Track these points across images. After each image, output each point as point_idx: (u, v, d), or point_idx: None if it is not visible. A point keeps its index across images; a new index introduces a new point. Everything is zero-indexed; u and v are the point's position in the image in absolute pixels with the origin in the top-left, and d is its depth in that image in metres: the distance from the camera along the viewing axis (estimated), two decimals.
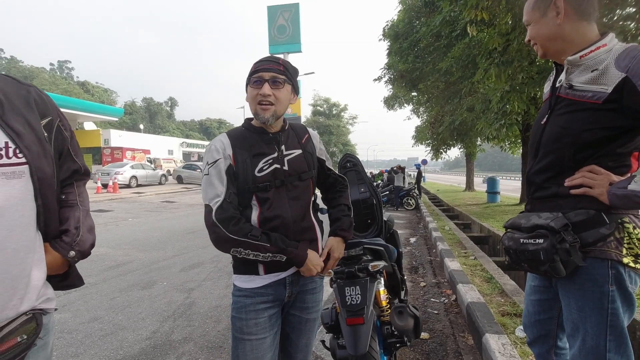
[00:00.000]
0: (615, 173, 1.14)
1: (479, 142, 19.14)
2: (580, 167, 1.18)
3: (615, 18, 4.89)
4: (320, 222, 1.54)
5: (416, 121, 26.12)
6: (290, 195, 1.40)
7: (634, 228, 1.14)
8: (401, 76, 16.13)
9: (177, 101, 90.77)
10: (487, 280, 4.01)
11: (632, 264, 1.12)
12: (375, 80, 19.19)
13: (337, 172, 1.64)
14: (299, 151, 1.45)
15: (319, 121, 48.02)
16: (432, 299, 3.96)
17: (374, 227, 2.49)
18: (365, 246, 2.11)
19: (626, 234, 1.13)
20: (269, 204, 1.36)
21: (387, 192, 14.65)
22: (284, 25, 25.43)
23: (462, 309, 3.49)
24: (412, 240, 7.54)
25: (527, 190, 1.38)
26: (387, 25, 16.05)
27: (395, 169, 15.29)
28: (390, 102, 22.71)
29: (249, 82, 1.37)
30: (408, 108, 23.64)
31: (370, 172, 30.54)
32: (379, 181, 17.95)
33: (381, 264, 2.01)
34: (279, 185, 1.38)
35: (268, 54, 1.58)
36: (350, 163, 2.58)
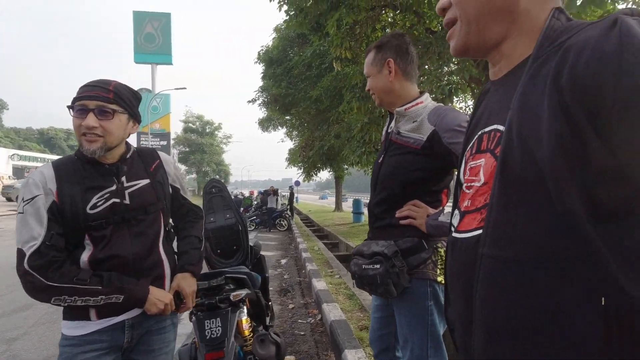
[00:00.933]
0: (432, 207, 1.39)
1: (345, 167, 20.93)
2: (407, 201, 1.41)
3: (443, 71, 6.07)
4: (173, 255, 1.45)
5: (290, 144, 27.20)
6: (133, 231, 1.27)
7: (445, 252, 1.41)
8: (275, 100, 16.70)
9: (7, 103, 74.05)
10: (349, 298, 4.32)
11: (444, 282, 1.37)
12: (249, 102, 19.39)
13: (192, 202, 1.56)
14: (145, 181, 1.33)
15: (190, 138, 45.73)
16: (299, 320, 4.07)
17: (240, 253, 2.47)
18: (228, 275, 2.07)
19: (439, 257, 1.40)
20: (104, 243, 1.22)
21: (259, 214, 14.78)
22: (153, 34, 23.81)
23: (326, 327, 3.68)
24: (283, 261, 7.67)
25: (369, 220, 1.57)
26: (262, 50, 16.53)
27: (268, 190, 15.62)
28: (265, 124, 23.18)
29: (71, 108, 1.20)
30: (282, 131, 24.49)
31: (241, 193, 30.26)
32: (253, 203, 17.94)
33: (243, 292, 1.99)
34: (119, 222, 1.24)
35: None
36: (216, 188, 2.53)
